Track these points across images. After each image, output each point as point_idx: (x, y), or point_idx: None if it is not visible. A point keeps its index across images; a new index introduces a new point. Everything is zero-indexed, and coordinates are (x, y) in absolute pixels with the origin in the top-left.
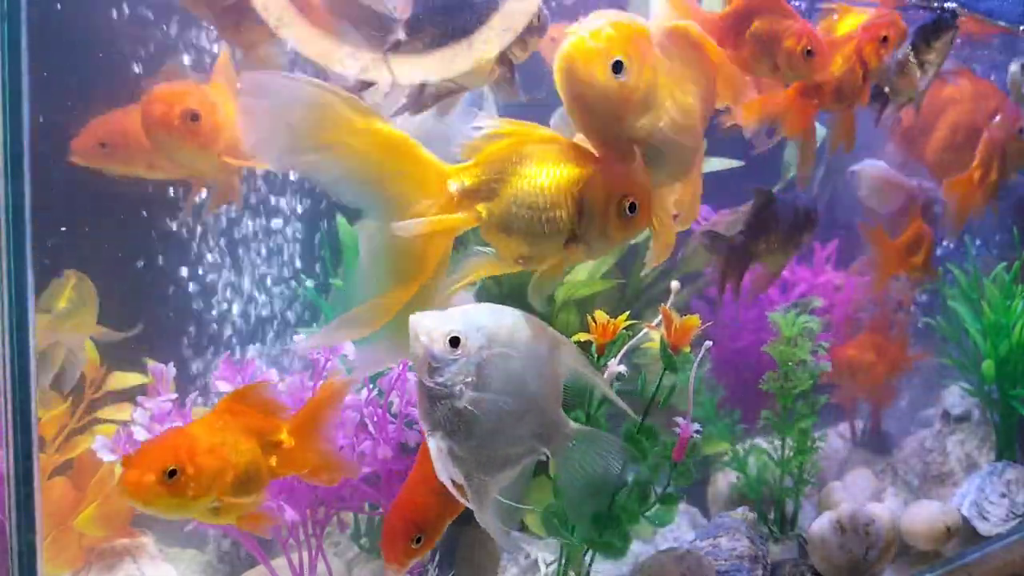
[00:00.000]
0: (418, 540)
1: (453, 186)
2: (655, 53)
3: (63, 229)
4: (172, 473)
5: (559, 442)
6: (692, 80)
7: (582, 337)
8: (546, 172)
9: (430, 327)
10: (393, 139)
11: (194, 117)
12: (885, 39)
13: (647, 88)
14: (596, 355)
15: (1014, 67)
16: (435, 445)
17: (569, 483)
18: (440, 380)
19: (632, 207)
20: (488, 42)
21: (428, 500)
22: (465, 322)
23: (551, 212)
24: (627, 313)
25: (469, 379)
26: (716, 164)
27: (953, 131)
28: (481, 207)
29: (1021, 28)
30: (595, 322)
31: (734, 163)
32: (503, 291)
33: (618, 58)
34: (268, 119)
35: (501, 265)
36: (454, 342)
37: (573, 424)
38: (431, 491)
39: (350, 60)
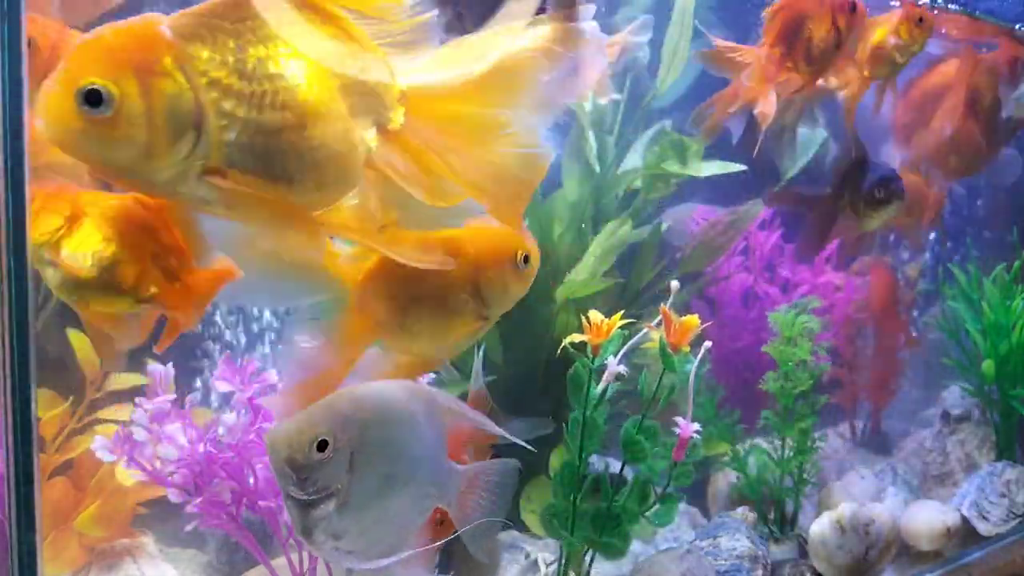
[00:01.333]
0: (440, 522)
1: (358, 299)
2: (176, 50)
3: None
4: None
5: (452, 492)
6: (296, 50)
7: (577, 338)
8: (427, 280)
9: (291, 437)
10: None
11: None
12: (853, 6)
13: (169, 106)
14: (591, 355)
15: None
16: (317, 550)
17: (466, 523)
18: (312, 489)
19: (526, 259)
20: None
21: None
22: (331, 420)
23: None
24: (621, 312)
25: (344, 474)
26: (717, 168)
27: (949, 120)
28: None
29: (1020, 27)
30: (589, 322)
31: (735, 167)
32: None
33: (88, 87)
34: None
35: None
36: (322, 446)
37: (461, 468)
38: None
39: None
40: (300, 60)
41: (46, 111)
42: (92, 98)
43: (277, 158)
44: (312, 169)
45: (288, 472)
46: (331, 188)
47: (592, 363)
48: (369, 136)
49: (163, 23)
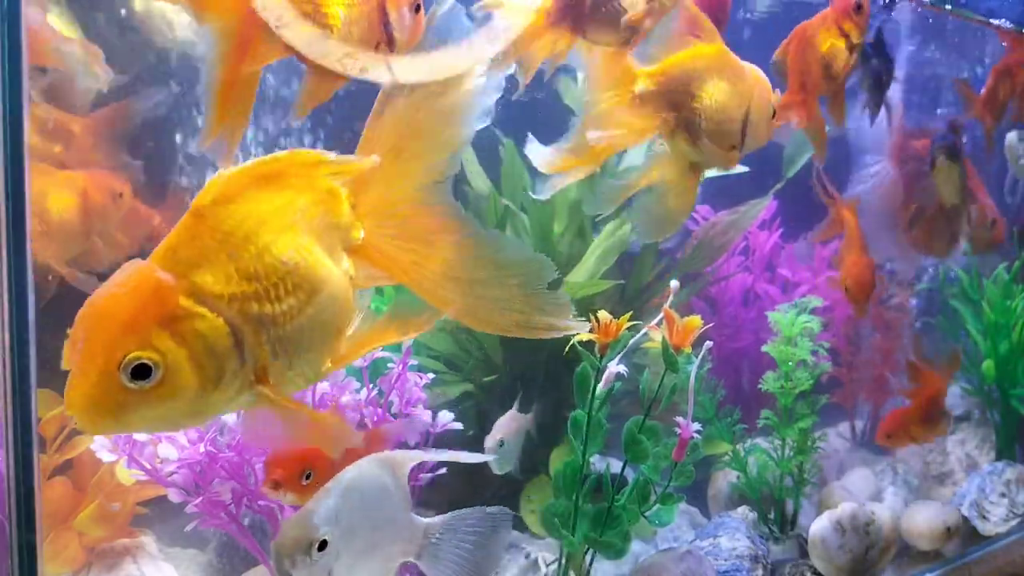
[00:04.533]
0: (308, 476)
1: None
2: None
3: None
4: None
5: (420, 546)
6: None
7: (584, 337)
8: None
9: (298, 542)
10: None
11: None
12: (859, 7)
13: (208, 342)
14: (598, 355)
15: (1012, 136)
16: None
17: (441, 572)
18: None
19: None
20: (489, 41)
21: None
22: (327, 518)
23: None
24: (630, 313)
25: (334, 560)
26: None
27: None
28: None
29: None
30: (598, 321)
31: (737, 168)
32: None
33: (133, 363)
34: None
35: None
36: (322, 546)
37: (425, 521)
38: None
39: (349, 60)
40: (282, 237)
41: (79, 401)
42: (139, 372)
43: (306, 335)
44: (330, 327)
45: (291, 573)
46: (343, 333)
47: (599, 363)
48: (346, 265)
49: (154, 268)
